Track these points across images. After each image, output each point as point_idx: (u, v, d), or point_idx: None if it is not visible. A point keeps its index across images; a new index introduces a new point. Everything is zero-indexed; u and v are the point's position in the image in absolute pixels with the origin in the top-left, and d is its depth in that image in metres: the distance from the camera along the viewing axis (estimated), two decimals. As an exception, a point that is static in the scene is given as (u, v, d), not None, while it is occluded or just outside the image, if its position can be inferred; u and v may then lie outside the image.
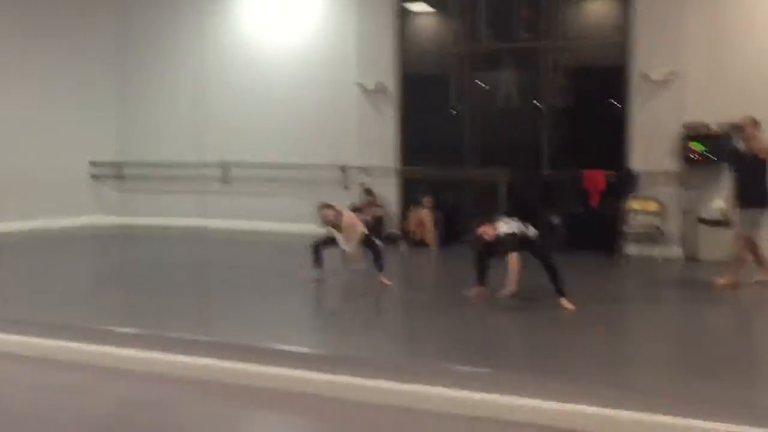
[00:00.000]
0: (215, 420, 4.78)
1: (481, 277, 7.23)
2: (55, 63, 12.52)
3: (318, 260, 7.95)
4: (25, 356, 6.00)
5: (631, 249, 9.66)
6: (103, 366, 5.71)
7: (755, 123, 7.71)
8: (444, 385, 4.85)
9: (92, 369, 5.67)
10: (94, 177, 13.12)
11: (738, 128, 7.90)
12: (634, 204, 9.61)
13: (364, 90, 11.06)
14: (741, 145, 7.91)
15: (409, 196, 10.96)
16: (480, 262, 7.16)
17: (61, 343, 5.98)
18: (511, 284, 6.89)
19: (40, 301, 7.34)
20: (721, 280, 7.82)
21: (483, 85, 10.70)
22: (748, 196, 7.72)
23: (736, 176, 7.93)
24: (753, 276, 7.90)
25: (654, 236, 9.53)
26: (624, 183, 9.64)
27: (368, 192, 11.03)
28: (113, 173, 13.21)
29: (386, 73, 11.04)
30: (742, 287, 7.81)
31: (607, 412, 4.44)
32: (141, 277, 8.79)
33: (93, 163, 13.02)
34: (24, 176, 11.98)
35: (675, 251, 9.60)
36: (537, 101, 10.30)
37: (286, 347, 5.59)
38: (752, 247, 7.86)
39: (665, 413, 4.34)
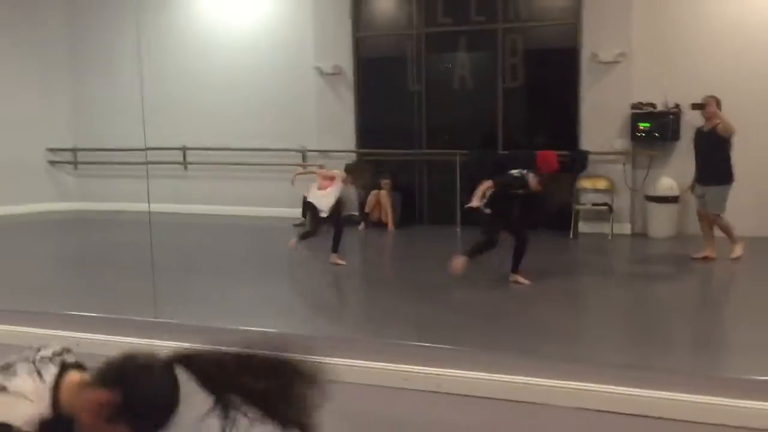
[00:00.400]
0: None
1: (476, 253, 7.14)
2: (7, 53, 12.36)
3: (307, 236, 8.17)
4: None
5: (583, 226, 9.94)
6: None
7: (717, 101, 7.93)
8: (405, 362, 5.01)
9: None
10: (52, 163, 13.01)
11: (701, 106, 8.08)
12: (585, 182, 9.87)
13: (322, 73, 11.12)
14: (704, 124, 8.08)
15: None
16: (489, 242, 7.12)
17: (24, 329, 6.02)
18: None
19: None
20: (732, 254, 7.97)
21: (448, 65, 10.83)
22: (711, 174, 7.92)
23: (699, 154, 8.11)
24: (698, 252, 8.13)
25: (604, 214, 9.82)
26: (576, 163, 9.88)
27: (327, 175, 11.12)
28: (70, 159, 13.11)
29: (343, 56, 11.11)
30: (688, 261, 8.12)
31: (565, 384, 4.57)
32: (101, 262, 8.82)
33: (50, 150, 12.90)
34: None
35: (625, 228, 9.90)
36: (497, 82, 10.45)
37: (250, 328, 5.71)
38: (704, 222, 8.12)
39: (619, 385, 4.49)
